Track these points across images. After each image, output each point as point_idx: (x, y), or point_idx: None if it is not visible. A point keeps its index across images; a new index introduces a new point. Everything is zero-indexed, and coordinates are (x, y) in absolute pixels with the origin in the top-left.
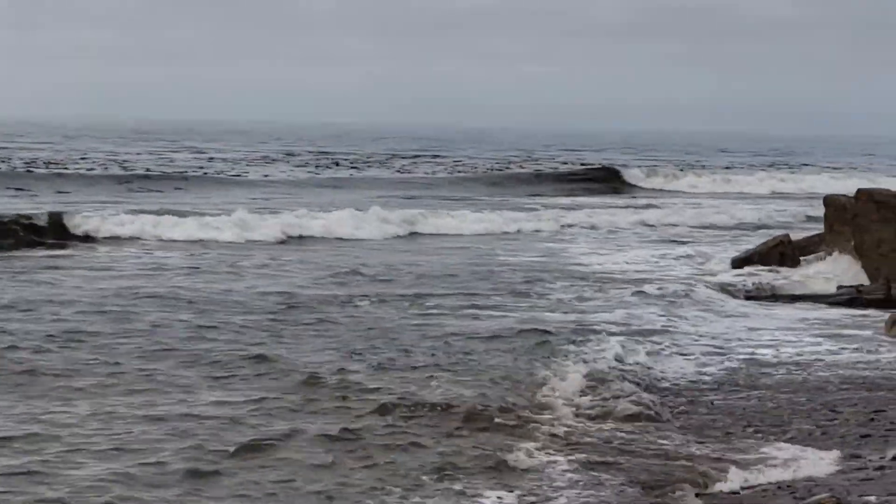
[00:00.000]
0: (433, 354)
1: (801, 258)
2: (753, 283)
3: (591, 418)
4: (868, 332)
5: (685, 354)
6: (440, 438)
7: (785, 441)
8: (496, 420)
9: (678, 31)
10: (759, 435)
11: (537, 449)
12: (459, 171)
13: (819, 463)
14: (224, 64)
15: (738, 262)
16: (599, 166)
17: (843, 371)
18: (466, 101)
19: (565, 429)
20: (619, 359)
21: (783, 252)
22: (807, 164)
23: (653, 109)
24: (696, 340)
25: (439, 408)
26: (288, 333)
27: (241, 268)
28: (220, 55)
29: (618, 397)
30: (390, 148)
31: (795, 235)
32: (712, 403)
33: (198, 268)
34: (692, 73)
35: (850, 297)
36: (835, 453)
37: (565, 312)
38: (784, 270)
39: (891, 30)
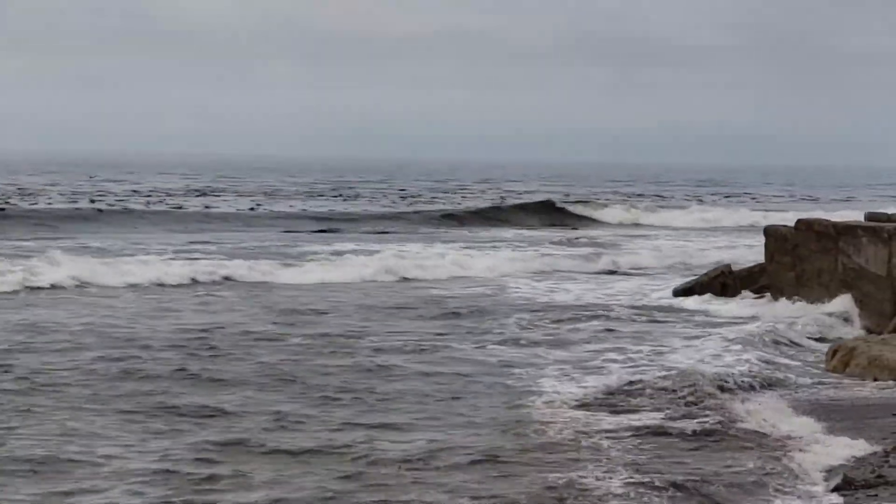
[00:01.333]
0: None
1: (743, 290)
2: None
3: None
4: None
5: None
6: None
7: None
8: None
9: (608, 57)
10: None
11: None
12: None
13: None
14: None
15: (679, 292)
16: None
17: None
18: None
19: None
20: None
21: (724, 282)
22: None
23: (585, 138)
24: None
25: None
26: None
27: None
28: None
29: None
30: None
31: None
32: None
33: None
34: (620, 100)
35: None
36: None
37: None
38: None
39: (810, 57)
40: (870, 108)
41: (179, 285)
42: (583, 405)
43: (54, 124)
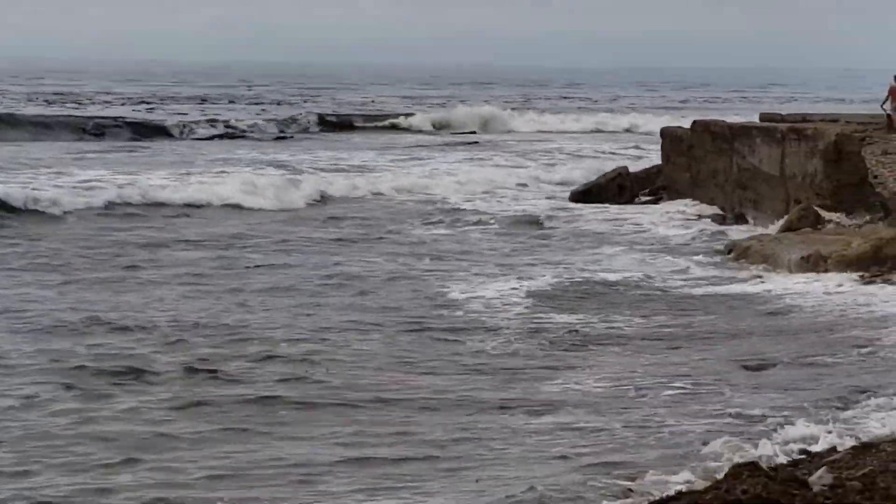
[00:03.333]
0: None
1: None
2: None
3: None
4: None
5: None
6: None
7: None
8: None
9: None
10: None
11: None
12: None
13: None
14: None
15: (576, 196)
16: None
17: None
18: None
19: None
20: None
21: (621, 184)
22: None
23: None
24: None
25: None
26: None
27: None
28: None
29: None
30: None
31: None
32: None
33: None
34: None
35: None
36: None
37: None
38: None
39: None
40: None
41: None
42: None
43: None
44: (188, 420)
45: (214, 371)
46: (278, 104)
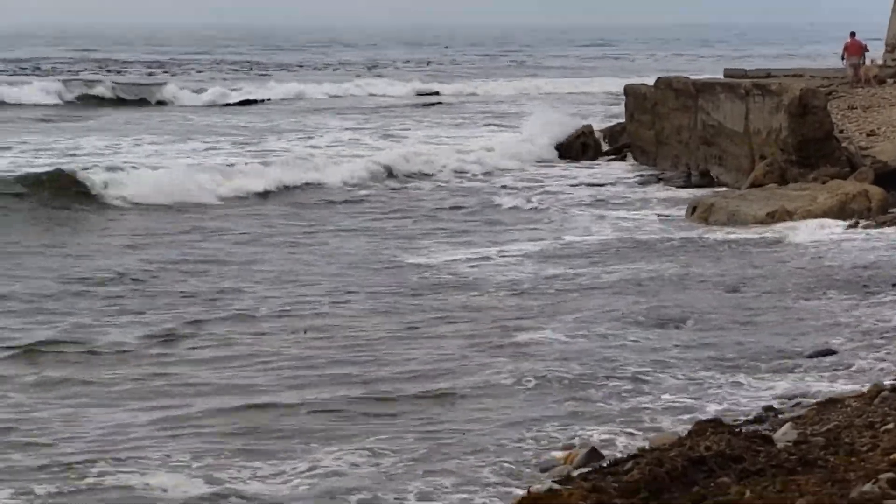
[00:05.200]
0: None
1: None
2: None
3: None
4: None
5: None
6: None
7: None
8: None
9: None
10: None
11: None
12: None
13: None
14: None
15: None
16: None
17: None
18: None
19: None
20: None
21: (585, 143)
22: None
23: None
24: None
25: None
26: None
27: None
28: None
29: None
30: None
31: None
32: None
33: None
34: None
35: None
36: None
37: None
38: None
39: None
40: None
41: None
42: None
43: None
44: None
45: None
46: None
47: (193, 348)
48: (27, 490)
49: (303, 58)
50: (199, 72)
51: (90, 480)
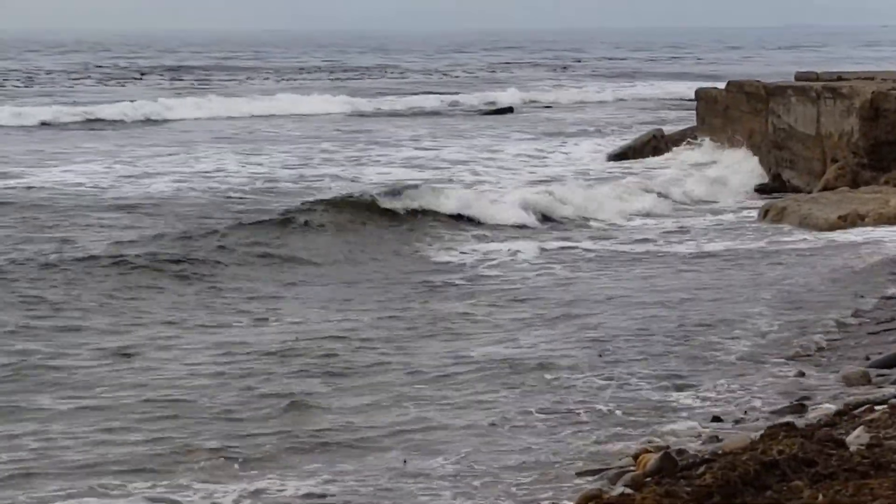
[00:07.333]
0: None
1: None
2: None
3: None
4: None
5: None
6: None
7: None
8: None
9: None
10: None
11: None
12: None
13: None
14: None
15: (613, 157)
16: None
17: None
18: None
19: None
20: None
21: (656, 146)
22: None
23: None
24: None
25: None
26: None
27: None
28: None
29: None
30: None
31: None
32: None
33: None
34: None
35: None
36: None
37: None
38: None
39: None
40: None
41: None
42: None
43: None
44: None
45: None
46: None
47: None
48: None
49: None
50: None
51: None
